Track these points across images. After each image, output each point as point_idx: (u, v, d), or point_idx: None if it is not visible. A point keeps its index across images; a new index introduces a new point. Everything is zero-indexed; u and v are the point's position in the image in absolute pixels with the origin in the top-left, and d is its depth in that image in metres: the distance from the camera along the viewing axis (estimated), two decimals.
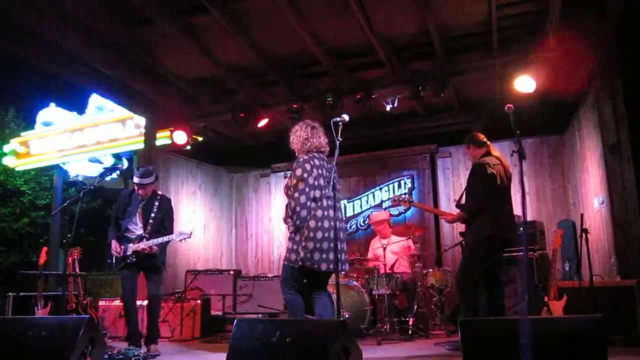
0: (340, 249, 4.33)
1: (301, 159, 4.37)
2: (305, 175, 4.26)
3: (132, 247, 5.53)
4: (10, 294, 7.41)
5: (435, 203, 9.00)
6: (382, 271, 6.72)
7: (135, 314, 5.65)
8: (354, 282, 6.76)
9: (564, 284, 5.66)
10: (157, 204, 5.71)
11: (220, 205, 10.33)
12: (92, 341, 3.83)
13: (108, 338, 6.96)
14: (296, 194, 4.22)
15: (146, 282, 5.66)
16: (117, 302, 7.42)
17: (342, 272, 4.71)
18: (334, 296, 5.21)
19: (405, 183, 9.27)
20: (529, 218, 7.15)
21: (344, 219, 4.51)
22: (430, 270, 6.91)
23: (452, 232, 8.74)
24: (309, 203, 4.23)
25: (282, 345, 3.19)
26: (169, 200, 5.94)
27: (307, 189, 4.23)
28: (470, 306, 5.03)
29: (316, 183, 4.29)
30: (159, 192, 5.94)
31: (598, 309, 4.97)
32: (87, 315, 5.76)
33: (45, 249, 7.51)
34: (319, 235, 4.23)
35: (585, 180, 7.24)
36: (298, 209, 4.21)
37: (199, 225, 9.56)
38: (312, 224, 4.22)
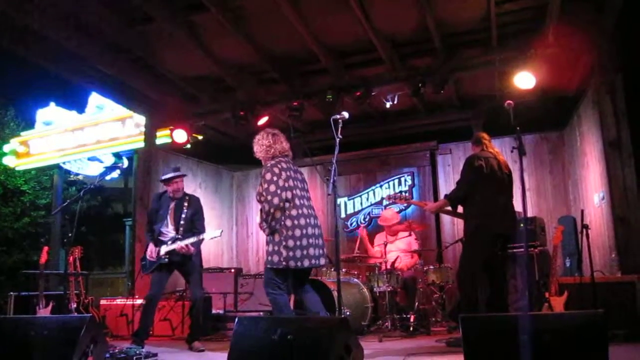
0: (316, 244, 4.47)
1: (269, 164, 4.54)
2: (275, 178, 4.40)
3: (165, 248, 5.64)
4: (11, 293, 7.42)
5: (436, 200, 8.97)
6: (383, 268, 6.72)
7: (152, 315, 5.78)
8: (355, 280, 6.77)
9: (565, 279, 5.66)
10: (186, 204, 5.85)
11: (220, 203, 10.33)
12: (94, 340, 3.84)
13: (109, 337, 6.97)
14: (269, 197, 4.34)
15: (188, 285, 5.95)
16: (119, 301, 7.43)
17: (318, 266, 4.80)
18: (335, 294, 5.25)
19: (405, 180, 9.27)
20: (529, 214, 7.15)
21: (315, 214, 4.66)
22: (431, 267, 6.90)
23: (452, 228, 8.75)
24: (281, 204, 4.35)
25: (283, 343, 3.19)
26: (198, 199, 6.07)
27: (278, 191, 4.35)
28: (469, 302, 5.04)
29: (286, 184, 4.43)
30: (187, 192, 6.06)
31: (599, 304, 4.97)
32: (89, 315, 5.79)
33: (46, 248, 7.50)
34: (297, 232, 4.35)
35: (586, 176, 7.24)
36: (272, 210, 4.35)
37: None
38: (288, 223, 4.36)
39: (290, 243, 4.31)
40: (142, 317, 5.64)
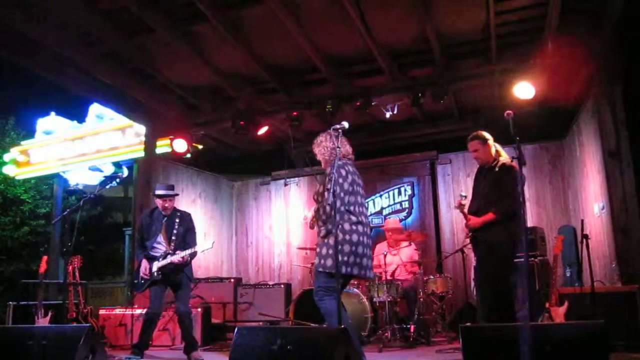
0: (369, 255, 4.33)
1: (336, 164, 4.29)
2: (341, 180, 4.24)
3: (157, 264, 5.62)
4: (10, 303, 7.40)
5: (435, 210, 9.00)
6: (382, 278, 6.70)
7: (152, 330, 5.78)
8: (355, 290, 6.75)
9: (565, 290, 5.66)
10: (177, 220, 5.84)
11: (220, 213, 10.32)
12: (93, 350, 3.83)
13: (108, 347, 6.95)
14: (332, 198, 4.13)
15: (174, 299, 5.80)
16: (118, 311, 7.40)
17: (366, 278, 4.58)
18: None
19: (405, 190, 9.26)
20: (529, 224, 7.14)
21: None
22: (431, 277, 6.89)
23: (452, 238, 8.74)
24: (342, 208, 4.20)
25: (283, 353, 3.18)
26: (189, 215, 6.06)
27: (342, 194, 4.20)
28: (488, 314, 4.93)
29: (351, 189, 4.29)
30: (179, 209, 6.06)
31: (599, 314, 4.96)
32: (88, 324, 5.78)
33: (45, 257, 7.50)
34: (355, 238, 4.20)
35: (586, 186, 7.24)
36: (333, 213, 4.11)
37: (199, 234, 9.49)
38: (346, 227, 4.19)
39: (346, 248, 4.15)
40: (143, 332, 5.62)
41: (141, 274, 5.66)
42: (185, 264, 5.65)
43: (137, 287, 5.76)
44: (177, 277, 5.69)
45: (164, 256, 5.64)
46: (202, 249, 5.57)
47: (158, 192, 5.84)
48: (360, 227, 4.26)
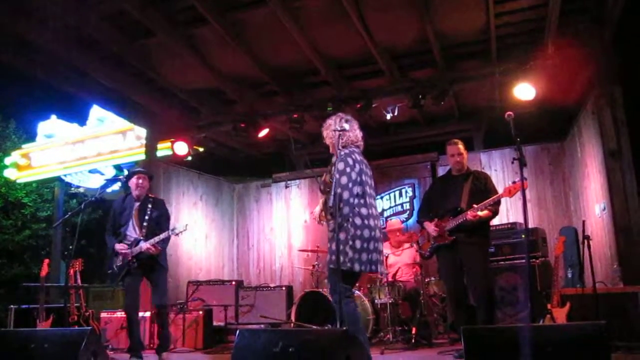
0: (379, 249, 4.10)
1: (343, 153, 4.08)
2: (348, 170, 3.99)
3: (131, 252, 5.47)
4: (12, 306, 7.40)
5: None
6: (384, 280, 6.70)
7: (137, 325, 5.63)
8: (356, 291, 6.74)
9: (567, 291, 5.65)
10: (150, 205, 5.70)
11: (221, 215, 10.32)
12: (94, 353, 3.83)
13: (110, 350, 6.94)
14: (339, 190, 3.87)
15: (151, 290, 5.63)
16: (119, 314, 7.39)
17: (380, 274, 4.61)
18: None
19: (406, 192, 9.26)
20: (530, 225, 7.14)
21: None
22: (433, 278, 6.89)
23: None
24: (352, 200, 3.95)
25: (284, 356, 3.18)
26: (163, 201, 5.96)
27: (350, 185, 3.95)
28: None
29: (359, 179, 4.04)
30: (152, 195, 5.93)
31: (601, 316, 4.95)
32: (89, 327, 5.76)
33: (46, 261, 7.49)
34: (366, 233, 3.96)
35: (587, 187, 7.24)
36: (341, 205, 3.87)
37: (200, 236, 9.55)
38: (357, 221, 3.96)
39: (358, 244, 3.91)
40: (130, 333, 5.52)
41: (120, 253, 5.49)
42: (159, 253, 5.50)
43: (113, 277, 5.57)
44: (155, 268, 5.55)
45: (136, 243, 5.48)
46: (176, 232, 5.40)
47: (133, 170, 5.74)
48: (371, 221, 4.03)
